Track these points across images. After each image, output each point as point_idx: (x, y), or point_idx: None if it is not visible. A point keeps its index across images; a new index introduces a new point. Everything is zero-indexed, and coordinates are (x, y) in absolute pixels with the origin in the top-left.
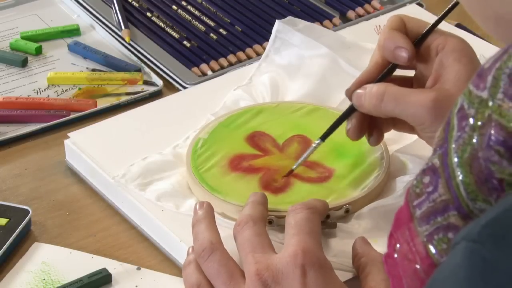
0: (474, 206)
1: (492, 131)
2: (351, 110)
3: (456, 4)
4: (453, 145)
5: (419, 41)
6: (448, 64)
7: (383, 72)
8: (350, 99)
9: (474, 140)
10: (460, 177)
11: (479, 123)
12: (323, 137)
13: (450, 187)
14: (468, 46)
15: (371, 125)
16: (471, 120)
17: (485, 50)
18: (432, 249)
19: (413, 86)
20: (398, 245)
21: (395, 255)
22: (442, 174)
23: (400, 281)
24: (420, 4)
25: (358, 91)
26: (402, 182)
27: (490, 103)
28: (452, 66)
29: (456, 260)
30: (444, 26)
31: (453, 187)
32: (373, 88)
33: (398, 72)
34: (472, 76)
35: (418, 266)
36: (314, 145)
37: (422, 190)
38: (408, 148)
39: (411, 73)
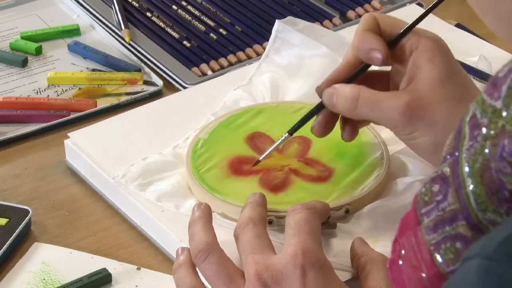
0: (483, 216)
1: (506, 142)
2: (321, 106)
3: (436, 5)
4: (464, 154)
5: (393, 42)
6: (421, 65)
7: (355, 72)
8: (320, 96)
9: (486, 151)
10: (471, 187)
11: (492, 133)
12: (291, 132)
13: (460, 197)
14: (441, 45)
15: (344, 121)
16: (483, 130)
17: (485, 50)
18: (439, 258)
19: (390, 83)
20: (403, 252)
21: (400, 262)
22: (452, 183)
23: None
24: (420, 4)
25: (329, 90)
26: (403, 184)
27: (504, 114)
28: (424, 67)
29: (470, 277)
30: (444, 26)
31: (463, 197)
32: (347, 91)
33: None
34: (445, 75)
35: (424, 275)
36: (282, 138)
37: (431, 198)
38: (408, 148)
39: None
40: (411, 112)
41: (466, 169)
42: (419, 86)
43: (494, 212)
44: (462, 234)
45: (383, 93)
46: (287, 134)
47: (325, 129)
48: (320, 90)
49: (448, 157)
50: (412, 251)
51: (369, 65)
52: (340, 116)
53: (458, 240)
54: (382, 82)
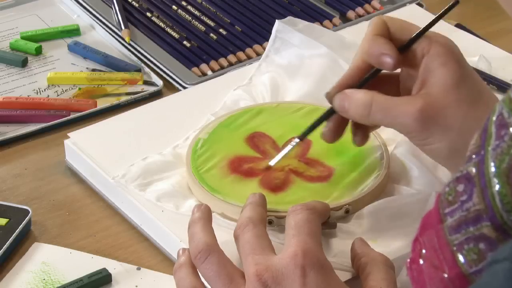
0: (508, 217)
1: None
2: (331, 112)
3: (447, 11)
4: (491, 154)
5: (404, 47)
6: (433, 69)
7: (366, 76)
8: (331, 102)
9: None
10: (497, 188)
11: None
12: (301, 137)
13: (485, 197)
14: (453, 48)
15: (356, 126)
16: (511, 130)
17: (485, 50)
18: (461, 258)
19: (400, 86)
20: (424, 251)
21: (421, 261)
22: (478, 183)
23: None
24: (420, 4)
25: (340, 95)
26: (403, 183)
27: None
28: (437, 71)
29: (498, 281)
30: (444, 26)
31: (488, 197)
32: (359, 97)
33: None
34: (458, 79)
35: (445, 275)
36: (291, 144)
37: (455, 198)
38: (408, 148)
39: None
40: (425, 118)
41: (492, 169)
42: (432, 91)
43: None
44: (486, 235)
45: (397, 98)
46: (297, 139)
47: (335, 135)
48: (330, 96)
49: (474, 156)
50: (433, 251)
51: (380, 70)
52: (350, 121)
53: (482, 241)
54: (391, 85)
